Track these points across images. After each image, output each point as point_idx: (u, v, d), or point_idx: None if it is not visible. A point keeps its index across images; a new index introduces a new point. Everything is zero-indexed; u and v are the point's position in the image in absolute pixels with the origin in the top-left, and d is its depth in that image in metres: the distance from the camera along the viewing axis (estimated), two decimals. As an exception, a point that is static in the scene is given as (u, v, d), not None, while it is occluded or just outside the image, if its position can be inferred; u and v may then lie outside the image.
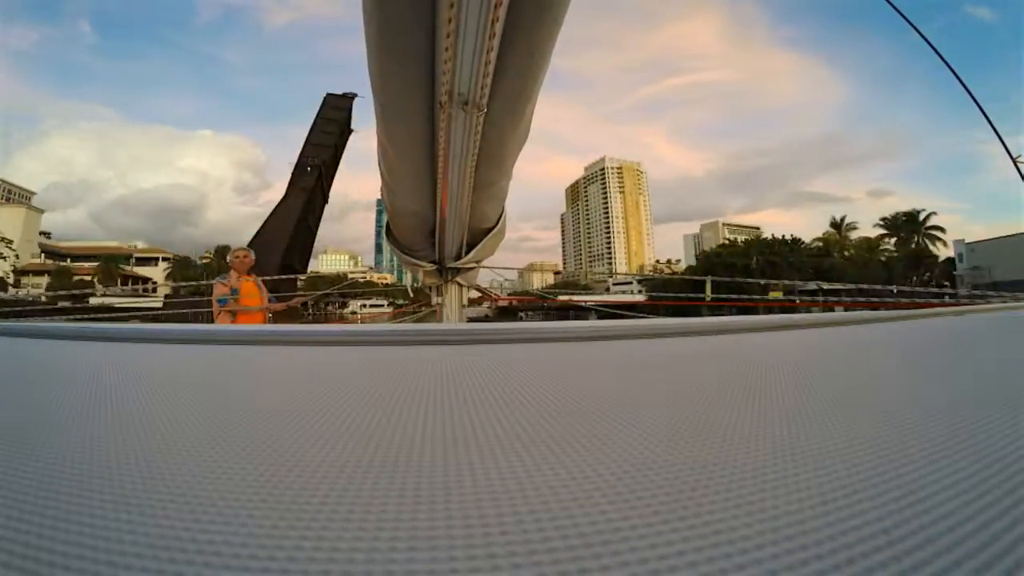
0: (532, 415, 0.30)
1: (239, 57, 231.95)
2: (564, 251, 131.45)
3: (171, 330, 0.76)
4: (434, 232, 1.94)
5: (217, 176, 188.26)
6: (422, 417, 0.30)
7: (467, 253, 2.04)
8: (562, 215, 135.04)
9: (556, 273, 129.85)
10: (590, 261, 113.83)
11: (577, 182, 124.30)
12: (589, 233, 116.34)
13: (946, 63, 2.63)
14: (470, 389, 0.38)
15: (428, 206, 1.73)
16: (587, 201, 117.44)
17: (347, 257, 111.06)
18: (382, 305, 30.93)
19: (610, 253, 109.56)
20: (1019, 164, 2.74)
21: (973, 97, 2.62)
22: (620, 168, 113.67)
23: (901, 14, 2.48)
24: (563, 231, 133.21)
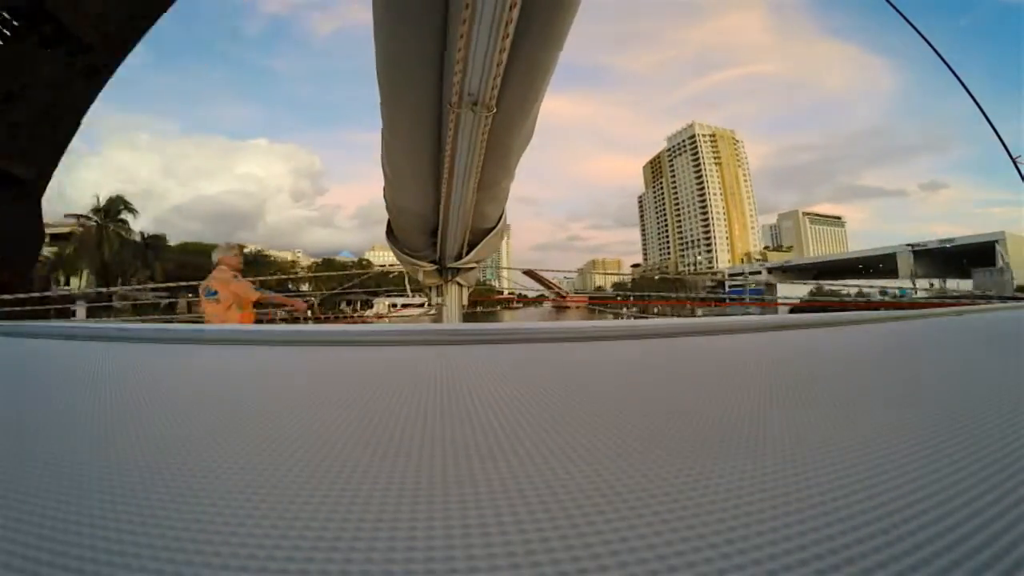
0: (531, 415, 0.33)
1: (289, 66, 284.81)
2: (644, 238, 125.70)
3: (171, 330, 0.88)
4: (435, 232, 2.20)
5: (273, 182, 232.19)
6: (421, 417, 0.33)
7: (468, 253, 2.30)
8: (640, 197, 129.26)
9: (634, 266, 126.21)
10: (681, 249, 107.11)
11: (659, 156, 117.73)
12: (678, 215, 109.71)
13: (944, 61, 2.61)
14: (469, 389, 0.42)
15: (431, 206, 1.97)
16: (673, 177, 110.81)
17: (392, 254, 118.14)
18: (421, 305, 28.79)
19: (708, 239, 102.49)
20: (1019, 164, 2.68)
21: (973, 96, 2.58)
22: (713, 135, 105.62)
23: (900, 13, 2.50)
24: (641, 215, 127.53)
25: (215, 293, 2.86)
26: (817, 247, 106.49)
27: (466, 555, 0.17)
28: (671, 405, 0.39)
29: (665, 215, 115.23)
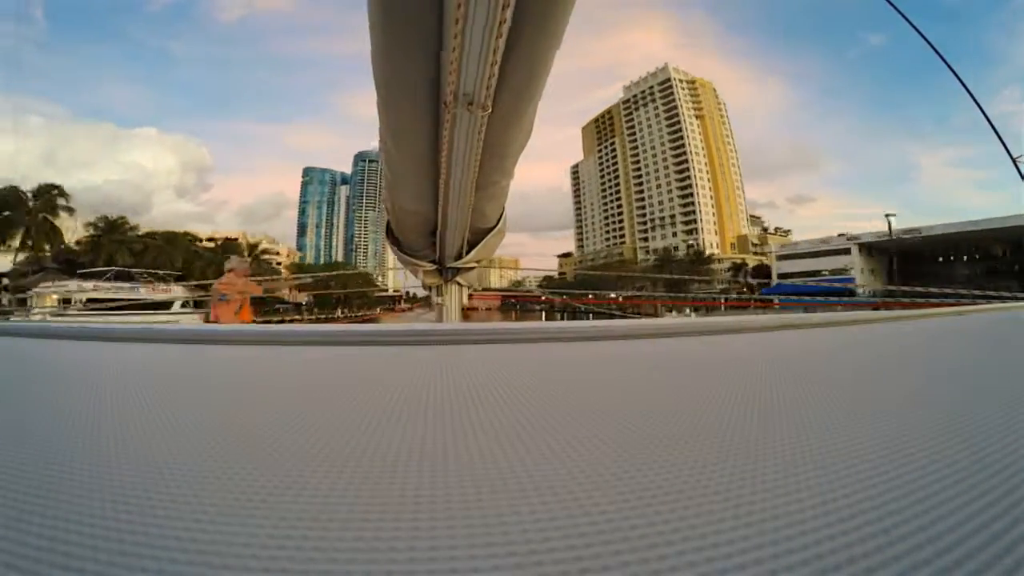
0: (532, 415, 0.44)
1: (190, 50, 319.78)
2: (580, 220, 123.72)
3: (171, 330, 1.09)
4: (435, 232, 2.82)
5: (161, 176, 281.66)
6: (422, 417, 0.44)
7: (467, 253, 2.98)
8: (575, 167, 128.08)
9: (563, 255, 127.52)
10: (643, 230, 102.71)
11: (610, 111, 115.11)
12: (639, 185, 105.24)
13: (946, 63, 3.68)
14: (470, 389, 0.55)
15: (430, 206, 2.52)
16: (633, 136, 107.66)
17: (265, 241, 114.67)
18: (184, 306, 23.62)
19: (690, 216, 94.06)
20: (1019, 164, 3.82)
21: (973, 96, 3.72)
22: (693, 82, 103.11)
23: (905, 17, 3.49)
24: (576, 191, 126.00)
25: (224, 296, 4.39)
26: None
27: (468, 555, 0.22)
28: (672, 404, 0.49)
29: (616, 186, 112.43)
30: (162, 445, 0.37)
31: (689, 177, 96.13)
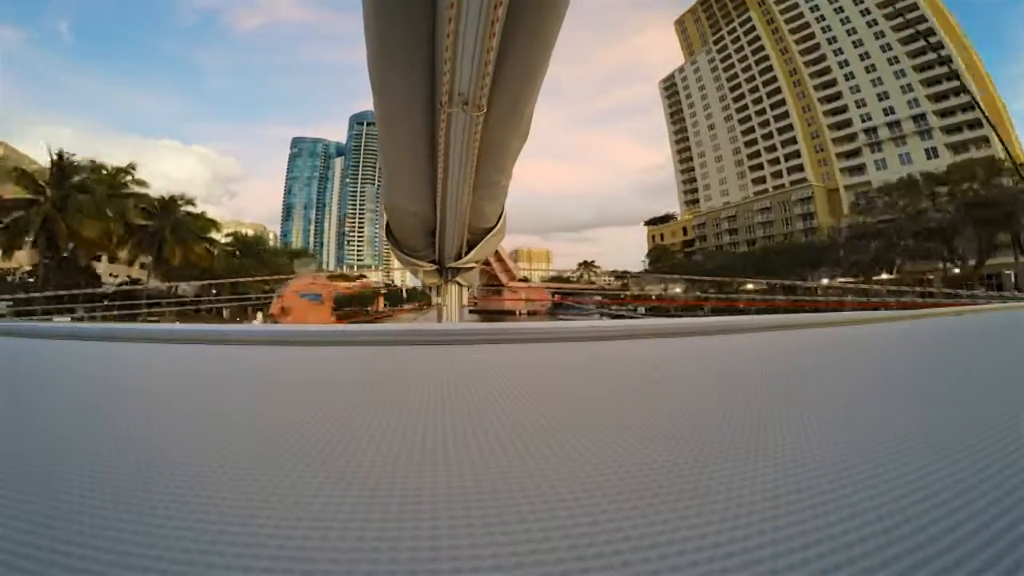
0: (533, 415, 0.63)
1: (212, 60, 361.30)
2: (686, 156, 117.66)
3: (171, 330, 1.67)
4: (434, 232, 4.07)
5: (183, 186, 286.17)
6: (422, 417, 0.62)
7: (467, 253, 4.30)
8: (667, 80, 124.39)
9: (654, 221, 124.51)
10: (851, 151, 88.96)
11: None
12: (822, 76, 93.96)
13: (949, 65, 5.39)
14: (470, 389, 0.81)
15: (428, 206, 3.58)
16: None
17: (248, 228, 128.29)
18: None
19: (971, 110, 69.46)
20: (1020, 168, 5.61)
21: (977, 103, 5.37)
22: None
23: (908, 21, 5.16)
24: (672, 114, 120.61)
25: (319, 296, 8.07)
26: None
27: (470, 555, 0.31)
28: (672, 404, 0.73)
29: (760, 88, 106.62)
30: (163, 445, 0.54)
31: (941, 44, 76.83)
